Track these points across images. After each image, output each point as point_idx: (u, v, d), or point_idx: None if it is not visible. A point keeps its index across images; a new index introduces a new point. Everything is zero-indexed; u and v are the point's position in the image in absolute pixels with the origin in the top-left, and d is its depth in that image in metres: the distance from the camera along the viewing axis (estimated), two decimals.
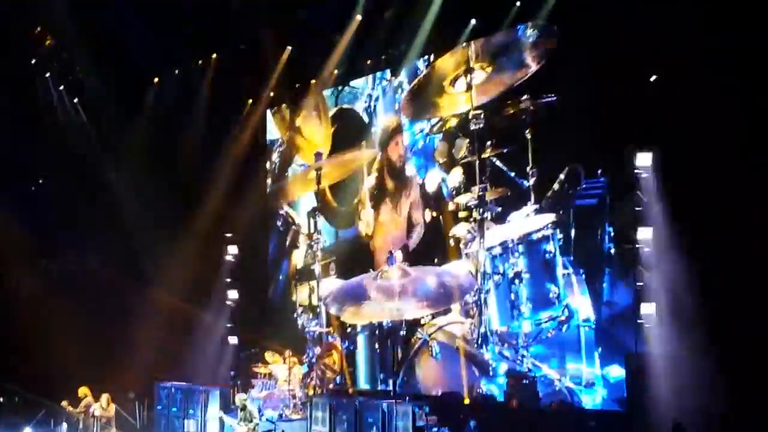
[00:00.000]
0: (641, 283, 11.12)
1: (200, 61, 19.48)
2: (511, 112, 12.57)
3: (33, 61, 18.94)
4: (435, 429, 12.16)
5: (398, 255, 12.80)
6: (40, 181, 20.58)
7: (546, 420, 10.79)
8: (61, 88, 19.61)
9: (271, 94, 19.45)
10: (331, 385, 15.12)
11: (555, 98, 12.19)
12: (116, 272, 19.46)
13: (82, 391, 16.03)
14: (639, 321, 10.96)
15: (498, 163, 13.03)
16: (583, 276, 12.13)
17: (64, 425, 17.49)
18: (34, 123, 19.16)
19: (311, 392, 14.86)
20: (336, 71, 18.14)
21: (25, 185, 20.27)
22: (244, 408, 13.16)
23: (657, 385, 10.17)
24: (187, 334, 18.32)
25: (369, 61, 17.80)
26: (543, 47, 11.57)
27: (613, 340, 12.01)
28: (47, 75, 19.34)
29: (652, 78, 12.08)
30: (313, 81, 18.41)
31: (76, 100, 19.82)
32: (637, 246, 11.26)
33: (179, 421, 17.08)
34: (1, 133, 18.01)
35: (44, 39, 18.69)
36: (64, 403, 16.00)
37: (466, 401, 11.53)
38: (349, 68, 18.11)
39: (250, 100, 19.59)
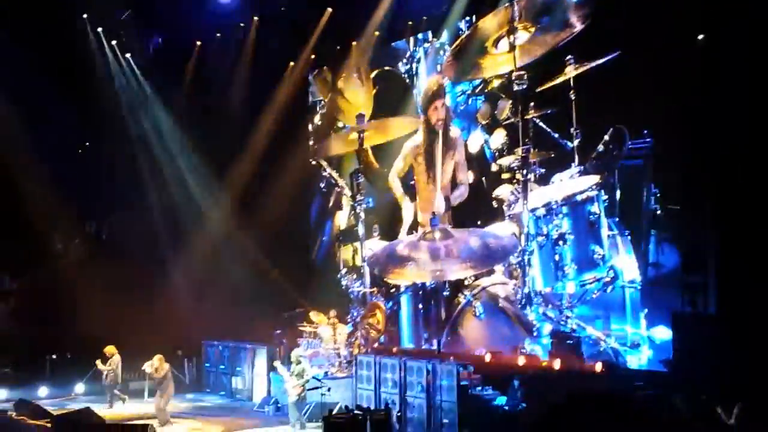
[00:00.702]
0: (688, 245, 10.95)
1: (242, 24, 19.51)
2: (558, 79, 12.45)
3: (84, 15, 18.95)
4: (479, 388, 12.35)
5: (441, 212, 12.92)
6: (87, 144, 20.87)
7: (591, 380, 10.85)
8: (107, 51, 19.75)
9: (312, 56, 19.51)
10: (375, 345, 15.33)
11: (606, 59, 11.97)
12: (161, 235, 19.80)
13: (109, 349, 16.40)
14: (686, 282, 10.85)
15: (541, 124, 12.96)
16: (629, 237, 12.07)
17: None
18: (79, 88, 19.34)
19: (356, 351, 15.11)
20: (377, 33, 18.10)
21: (71, 149, 20.54)
22: (298, 363, 13.49)
23: (703, 345, 10.13)
24: (233, 293, 18.65)
25: (410, 23, 17.72)
26: (587, 7, 11.45)
27: (659, 301, 11.99)
28: (93, 37, 19.47)
29: (700, 36, 11.90)
30: (354, 42, 18.42)
31: (120, 64, 19.97)
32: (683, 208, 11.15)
33: (227, 377, 17.56)
34: (47, 99, 18.21)
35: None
36: (98, 362, 16.39)
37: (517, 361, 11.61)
38: (390, 29, 18.05)
39: (292, 63, 19.66)
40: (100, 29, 19.33)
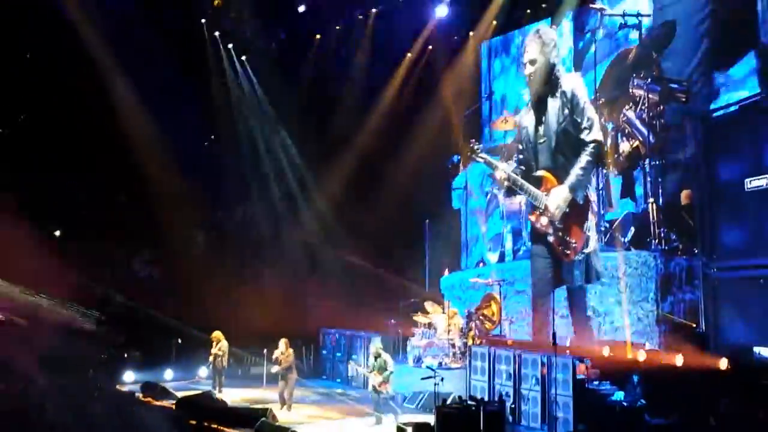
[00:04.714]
0: None
1: (360, 16, 19.66)
2: None
3: (203, 21, 19.62)
4: (596, 382, 12.05)
5: None
6: (212, 137, 21.50)
7: (714, 377, 10.41)
8: (230, 46, 20.25)
9: (429, 47, 19.49)
10: (489, 336, 15.23)
11: None
12: (278, 226, 20.21)
13: (217, 335, 16.41)
14: None
15: None
16: None
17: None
18: (202, 83, 19.92)
19: (470, 342, 15.03)
20: (494, 22, 17.90)
21: (196, 144, 21.18)
22: (378, 356, 13.31)
23: None
24: (349, 283, 18.88)
25: (528, 11, 17.45)
26: None
27: None
28: (216, 34, 20.03)
29: None
30: (471, 33, 18.30)
31: (243, 58, 20.46)
32: None
33: (343, 365, 17.79)
34: (172, 96, 18.82)
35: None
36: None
37: (629, 355, 11.30)
38: (507, 19, 17.81)
39: (409, 54, 19.68)
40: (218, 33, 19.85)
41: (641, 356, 11.95)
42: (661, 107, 13.79)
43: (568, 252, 13.65)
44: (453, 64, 18.92)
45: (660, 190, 13.46)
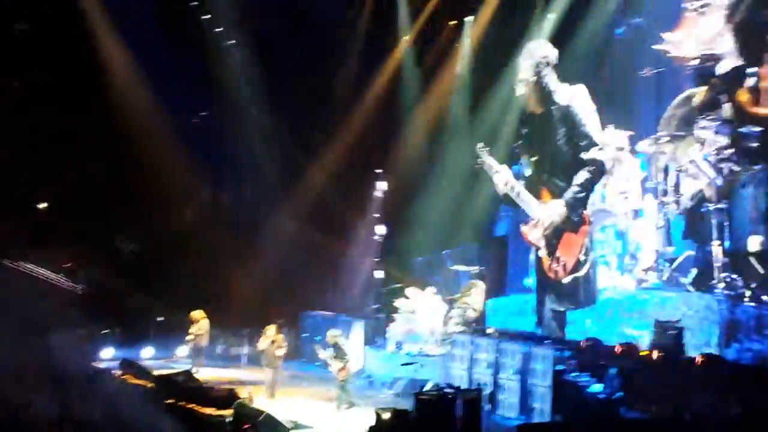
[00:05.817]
0: None
1: None
2: None
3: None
4: (574, 374, 12.00)
5: None
6: (203, 113, 21.15)
7: (690, 371, 10.41)
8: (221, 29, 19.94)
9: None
10: (471, 324, 15.18)
11: None
12: (266, 206, 20.05)
13: (196, 315, 16.05)
14: None
15: None
16: None
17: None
18: (197, 56, 19.62)
19: (451, 330, 14.98)
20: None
21: (188, 118, 20.88)
22: (335, 345, 13.29)
23: None
24: (333, 266, 18.79)
25: None
26: None
27: None
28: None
29: None
30: (470, 18, 18.18)
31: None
32: None
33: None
34: (166, 68, 18.58)
35: None
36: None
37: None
38: (505, 3, 17.62)
39: (406, 36, 19.50)
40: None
41: (618, 349, 11.95)
42: (731, 150, 13.59)
43: (557, 269, 13.61)
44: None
45: (726, 234, 13.21)
